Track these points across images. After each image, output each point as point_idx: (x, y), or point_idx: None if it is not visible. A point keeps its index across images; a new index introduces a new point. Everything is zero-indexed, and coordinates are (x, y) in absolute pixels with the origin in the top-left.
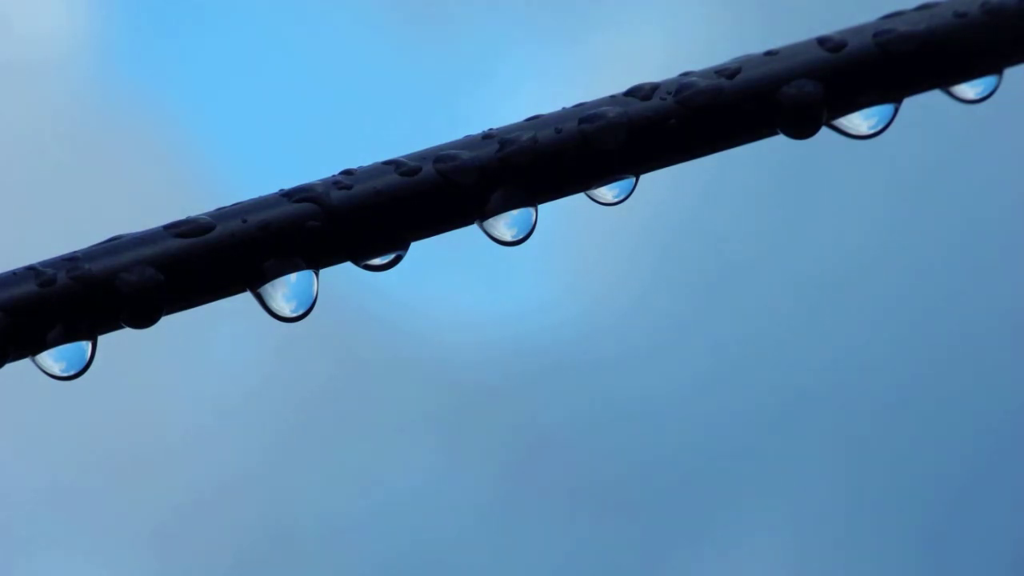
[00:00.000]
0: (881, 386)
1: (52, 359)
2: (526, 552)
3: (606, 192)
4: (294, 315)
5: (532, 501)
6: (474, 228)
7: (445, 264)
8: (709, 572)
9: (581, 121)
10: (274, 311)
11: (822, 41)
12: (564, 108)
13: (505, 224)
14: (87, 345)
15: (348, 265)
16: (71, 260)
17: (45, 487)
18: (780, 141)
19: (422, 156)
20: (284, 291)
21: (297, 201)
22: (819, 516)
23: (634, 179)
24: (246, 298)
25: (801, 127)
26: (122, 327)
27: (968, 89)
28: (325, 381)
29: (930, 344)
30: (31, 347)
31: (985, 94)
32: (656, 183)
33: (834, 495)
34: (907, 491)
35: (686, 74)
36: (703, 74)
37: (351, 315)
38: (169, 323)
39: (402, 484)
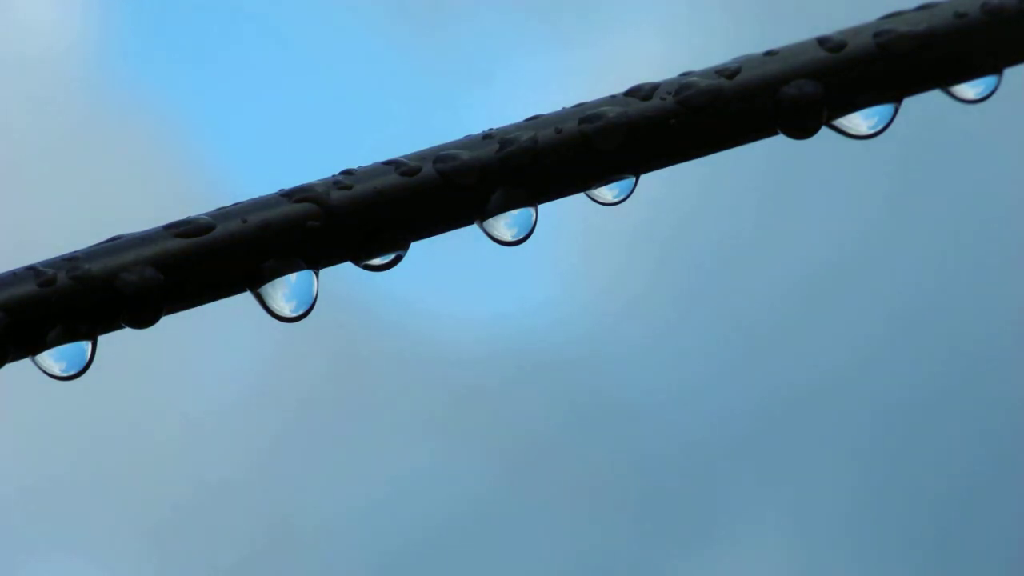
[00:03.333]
0: (882, 383)
1: (52, 359)
2: (526, 548)
3: (606, 192)
4: (294, 315)
5: (530, 498)
6: (474, 228)
7: (444, 262)
8: (708, 568)
9: (581, 121)
10: (274, 311)
11: (822, 41)
12: (564, 108)
13: (505, 224)
14: (87, 345)
15: (348, 265)
16: (71, 260)
17: (43, 484)
18: (779, 139)
19: (422, 156)
20: (284, 291)
21: (297, 201)
22: (819, 513)
23: (634, 179)
24: (246, 298)
25: (801, 127)
26: (122, 327)
27: (968, 89)
28: (323, 379)
29: (932, 342)
30: (31, 347)
31: (985, 94)
32: (653, 180)
33: (834, 492)
34: (909, 488)
35: (686, 74)
36: (703, 74)
37: (347, 312)
38: (169, 320)
39: (401, 481)
